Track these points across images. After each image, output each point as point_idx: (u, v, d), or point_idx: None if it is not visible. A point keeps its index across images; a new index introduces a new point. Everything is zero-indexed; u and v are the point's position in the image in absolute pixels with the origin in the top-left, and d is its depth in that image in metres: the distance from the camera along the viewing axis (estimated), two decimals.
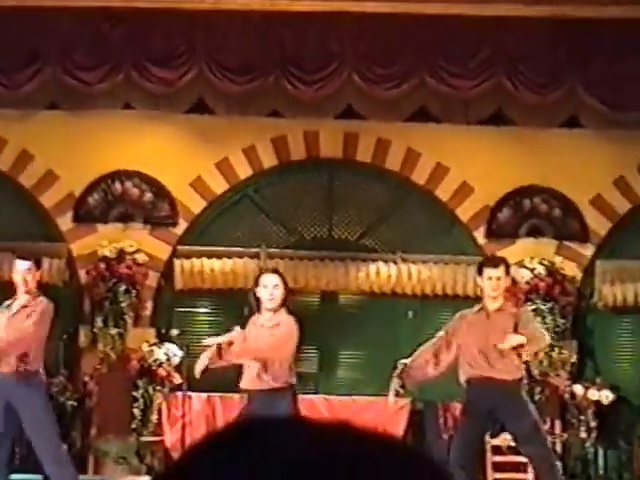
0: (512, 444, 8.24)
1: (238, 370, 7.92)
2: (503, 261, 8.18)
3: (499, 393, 7.69)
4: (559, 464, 10.11)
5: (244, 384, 7.68)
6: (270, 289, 7.61)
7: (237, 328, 7.78)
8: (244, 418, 1.07)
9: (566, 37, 9.57)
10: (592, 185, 11.06)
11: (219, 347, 7.73)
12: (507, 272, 8.04)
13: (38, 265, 8.08)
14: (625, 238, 11.09)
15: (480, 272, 8.04)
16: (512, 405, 7.75)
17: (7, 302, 8.05)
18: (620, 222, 11.11)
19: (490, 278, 7.92)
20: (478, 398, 7.75)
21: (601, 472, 10.37)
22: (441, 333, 8.03)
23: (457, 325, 7.94)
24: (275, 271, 8.02)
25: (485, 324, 7.83)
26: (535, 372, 10.31)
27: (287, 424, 1.03)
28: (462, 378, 7.89)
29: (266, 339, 7.57)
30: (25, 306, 7.93)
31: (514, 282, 9.91)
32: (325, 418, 1.02)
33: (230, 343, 7.73)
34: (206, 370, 7.68)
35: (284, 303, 7.67)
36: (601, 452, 10.40)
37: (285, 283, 7.77)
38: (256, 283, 7.76)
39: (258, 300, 7.69)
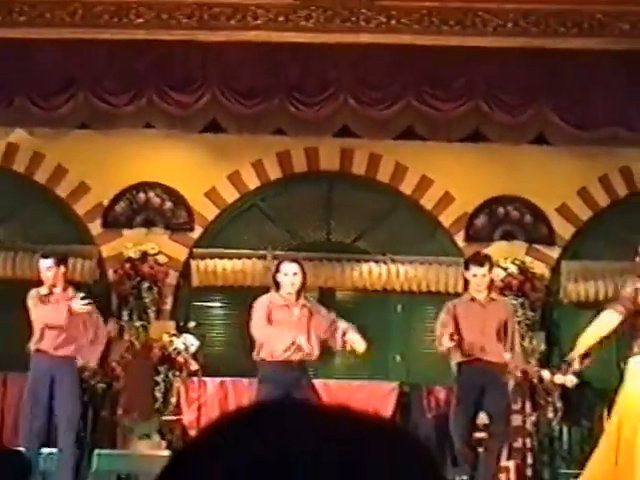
0: (487, 422, 8.26)
1: (247, 356, 7.95)
2: (488, 259, 8.27)
3: (489, 374, 7.73)
4: (528, 440, 10.21)
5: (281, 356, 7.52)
6: (290, 277, 7.60)
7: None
8: (259, 401, 1.06)
9: (536, 65, 9.61)
10: (558, 195, 11.16)
11: None
12: (491, 268, 8.12)
13: (60, 262, 8.15)
14: (587, 242, 11.20)
15: (467, 268, 8.11)
16: (497, 386, 7.81)
17: (42, 290, 8.09)
18: (583, 227, 11.19)
19: (475, 275, 8.03)
20: (471, 378, 7.79)
21: (565, 447, 10.49)
22: (444, 317, 7.98)
23: (455, 313, 7.95)
24: (295, 260, 7.97)
25: (481, 312, 7.90)
26: None
27: (297, 406, 1.01)
28: (455, 360, 7.90)
29: (314, 315, 7.58)
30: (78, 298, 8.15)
31: (490, 280, 9.96)
32: (326, 402, 1.03)
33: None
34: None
35: (302, 289, 7.66)
36: (566, 430, 10.51)
37: (303, 271, 7.71)
38: (277, 269, 7.74)
39: (277, 284, 7.68)
